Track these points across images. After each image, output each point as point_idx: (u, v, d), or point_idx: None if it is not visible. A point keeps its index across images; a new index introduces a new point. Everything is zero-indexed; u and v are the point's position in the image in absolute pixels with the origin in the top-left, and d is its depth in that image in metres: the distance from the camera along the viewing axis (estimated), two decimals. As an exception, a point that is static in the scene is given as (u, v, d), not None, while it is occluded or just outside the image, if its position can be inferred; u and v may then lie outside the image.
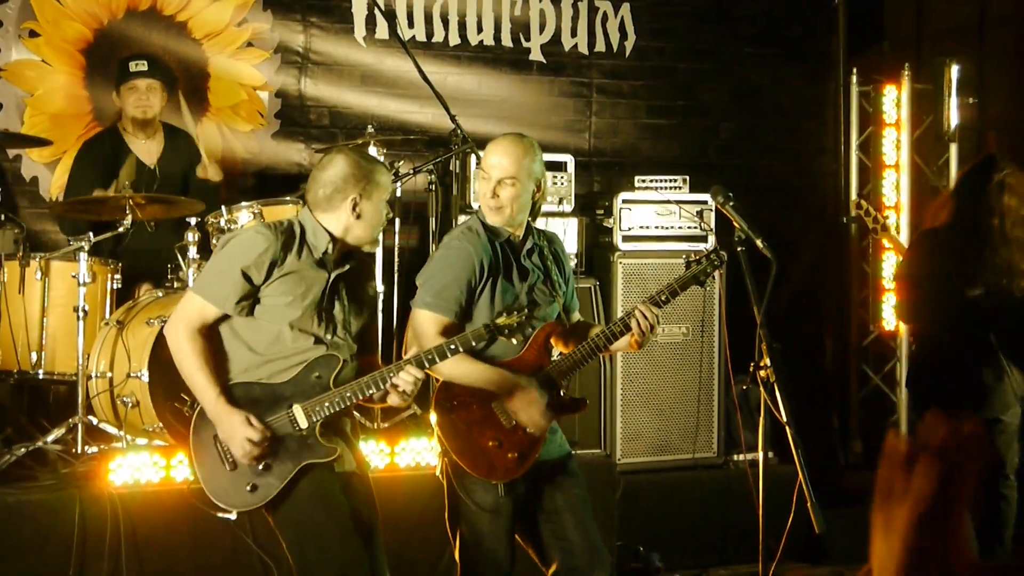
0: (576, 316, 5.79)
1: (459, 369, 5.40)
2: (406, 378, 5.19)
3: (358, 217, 5.33)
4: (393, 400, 5.29)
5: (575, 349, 5.54)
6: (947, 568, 2.30)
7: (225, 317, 5.24)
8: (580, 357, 5.52)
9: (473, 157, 8.48)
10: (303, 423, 5.22)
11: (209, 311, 5.22)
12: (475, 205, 8.65)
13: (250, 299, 5.22)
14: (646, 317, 5.46)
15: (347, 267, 5.39)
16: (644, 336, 5.50)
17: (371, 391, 5.24)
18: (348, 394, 5.23)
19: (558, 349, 5.64)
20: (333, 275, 5.34)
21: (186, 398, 5.35)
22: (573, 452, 5.80)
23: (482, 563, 5.48)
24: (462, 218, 8.57)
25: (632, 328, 5.48)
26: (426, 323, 5.42)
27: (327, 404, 5.22)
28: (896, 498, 2.34)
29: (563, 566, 5.54)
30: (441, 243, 5.70)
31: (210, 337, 5.24)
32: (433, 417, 5.45)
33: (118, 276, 7.57)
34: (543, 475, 5.56)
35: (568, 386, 5.59)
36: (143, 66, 8.19)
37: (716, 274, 8.43)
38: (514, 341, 5.37)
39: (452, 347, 5.24)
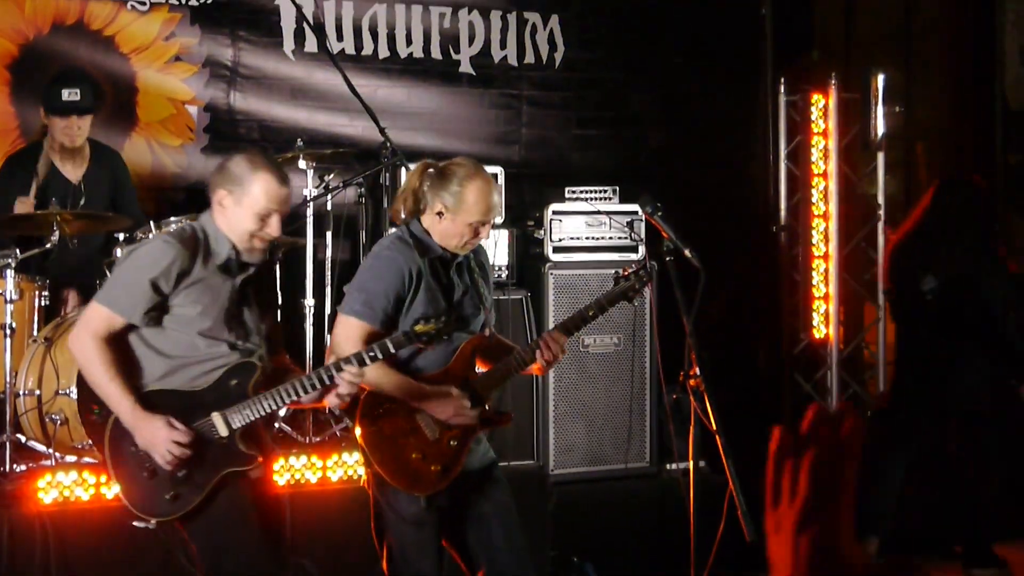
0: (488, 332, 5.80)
1: (385, 379, 5.39)
2: (347, 377, 5.17)
3: (223, 210, 5.31)
4: (331, 401, 5.28)
5: (498, 365, 5.57)
6: (843, 562, 2.33)
7: (132, 327, 5.20)
8: (503, 374, 5.58)
9: (403, 169, 8.48)
10: (222, 431, 5.19)
11: (116, 321, 5.18)
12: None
13: (158, 309, 5.19)
14: (550, 348, 5.51)
15: (250, 271, 5.37)
16: (549, 364, 5.56)
17: (301, 394, 5.21)
18: (277, 398, 5.20)
19: (478, 367, 5.65)
20: (239, 280, 5.31)
21: (95, 406, 5.29)
22: (498, 461, 5.80)
23: (410, 571, 5.48)
24: (392, 230, 8.56)
25: (536, 358, 5.52)
26: (351, 330, 5.43)
27: (247, 411, 5.20)
28: (785, 495, 2.37)
29: (489, 572, 5.57)
30: (371, 252, 5.70)
31: (118, 347, 5.19)
32: (357, 429, 5.45)
33: (46, 293, 7.52)
34: (469, 484, 5.59)
35: (492, 400, 5.62)
36: (75, 95, 8.04)
37: (649, 284, 8.50)
38: (430, 350, 5.38)
39: (371, 353, 5.23)
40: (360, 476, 7.20)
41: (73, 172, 8.16)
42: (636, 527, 8.33)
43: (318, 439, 7.75)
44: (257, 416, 5.24)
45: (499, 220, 8.70)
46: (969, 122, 11.86)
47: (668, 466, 8.69)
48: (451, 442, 5.47)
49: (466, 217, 5.50)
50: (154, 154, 9.02)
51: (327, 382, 5.22)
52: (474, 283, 5.67)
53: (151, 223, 7.58)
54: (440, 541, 5.55)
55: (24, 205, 7.77)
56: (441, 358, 5.50)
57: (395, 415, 5.44)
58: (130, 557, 6.71)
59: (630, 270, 5.69)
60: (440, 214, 5.52)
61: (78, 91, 8.08)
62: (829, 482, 2.25)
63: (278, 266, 7.97)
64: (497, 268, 8.73)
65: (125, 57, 8.96)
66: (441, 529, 5.54)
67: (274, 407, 5.26)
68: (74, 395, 6.91)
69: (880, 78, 10.46)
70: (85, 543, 6.63)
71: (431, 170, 5.62)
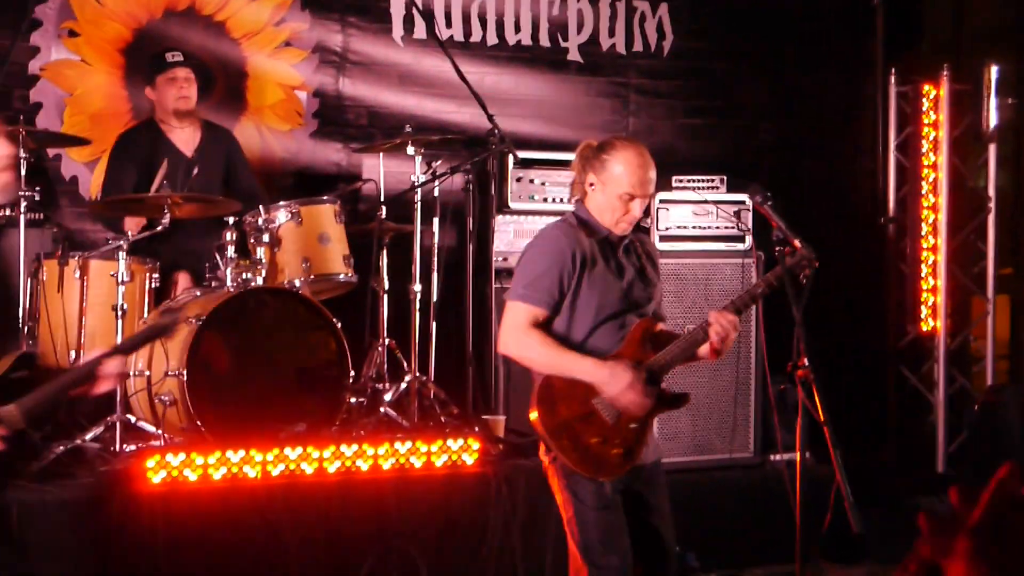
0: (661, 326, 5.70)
1: (554, 360, 5.36)
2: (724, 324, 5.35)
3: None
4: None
5: (671, 346, 5.46)
6: None
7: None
8: (680, 351, 5.45)
9: (510, 157, 8.50)
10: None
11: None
12: (513, 205, 8.66)
13: None
14: (721, 324, 5.39)
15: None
16: (722, 343, 5.42)
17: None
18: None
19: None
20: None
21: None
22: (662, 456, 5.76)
23: (607, 557, 5.40)
24: (499, 218, 8.59)
25: (710, 335, 5.43)
26: (518, 314, 5.39)
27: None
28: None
29: (657, 560, 5.55)
30: (536, 235, 5.66)
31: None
32: (533, 414, 5.39)
33: (156, 275, 7.60)
34: (642, 476, 5.53)
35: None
36: (179, 56, 8.23)
37: (755, 273, 8.47)
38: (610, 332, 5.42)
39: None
40: (466, 463, 7.32)
41: (186, 145, 8.25)
42: (739, 517, 8.29)
43: (423, 424, 7.77)
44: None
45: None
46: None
47: (772, 456, 8.65)
48: (630, 425, 5.38)
49: (615, 188, 5.42)
50: (263, 139, 9.09)
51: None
52: (643, 268, 5.60)
53: (260, 207, 7.65)
54: (625, 523, 5.44)
55: (131, 174, 7.89)
56: (613, 342, 5.44)
57: (571, 399, 5.35)
58: (236, 538, 6.77)
59: (790, 248, 5.62)
60: (592, 186, 5.48)
61: (180, 53, 8.23)
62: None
63: (385, 252, 8.06)
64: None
65: (235, 42, 9.04)
66: (625, 512, 5.45)
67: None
68: (183, 376, 6.98)
69: (993, 70, 10.35)
70: (193, 524, 6.68)
71: (587, 148, 5.59)
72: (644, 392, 5.34)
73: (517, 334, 5.38)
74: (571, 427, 5.36)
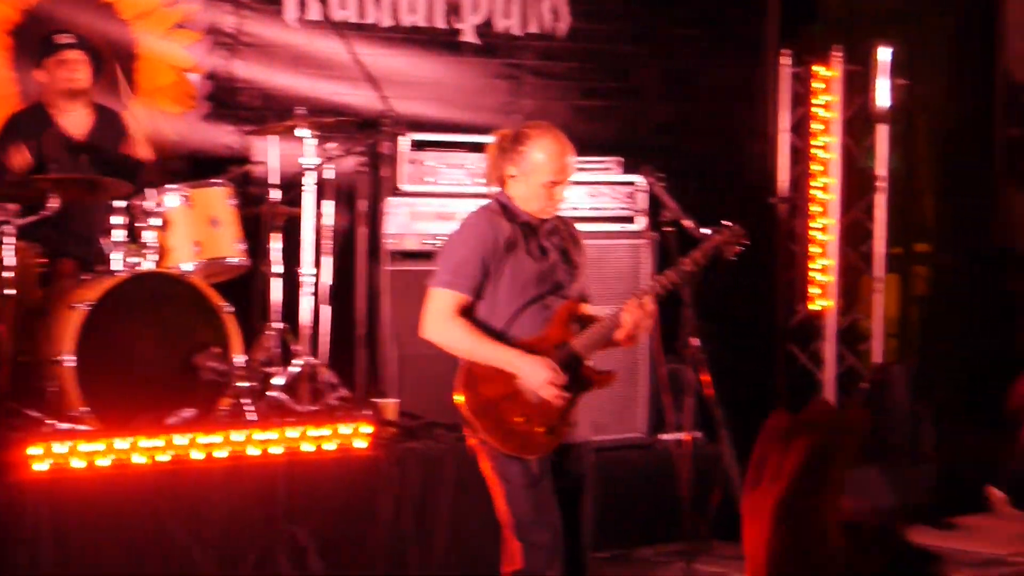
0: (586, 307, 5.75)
1: (477, 347, 5.43)
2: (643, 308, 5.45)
3: None
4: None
5: (595, 326, 5.55)
6: (821, 548, 2.34)
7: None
8: (600, 333, 5.53)
9: (404, 139, 8.48)
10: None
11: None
12: (406, 187, 8.66)
13: None
14: (633, 311, 5.48)
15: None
16: (636, 328, 5.51)
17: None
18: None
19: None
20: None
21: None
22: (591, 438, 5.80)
23: (539, 532, 5.47)
24: (392, 200, 8.57)
25: (622, 320, 5.50)
26: (442, 301, 5.48)
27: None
28: (767, 478, 2.39)
29: (570, 546, 5.57)
30: (460, 222, 5.72)
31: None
32: (459, 397, 5.46)
33: (43, 260, 7.52)
34: (569, 455, 5.59)
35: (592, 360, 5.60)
36: (70, 37, 8.14)
37: (649, 254, 8.52)
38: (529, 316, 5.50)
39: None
40: (359, 447, 7.32)
41: (76, 128, 8.15)
42: (630, 497, 8.34)
43: (314, 408, 7.76)
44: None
45: (496, 188, 8.73)
46: (970, 95, 11.85)
47: (663, 436, 8.71)
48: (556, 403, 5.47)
49: (537, 177, 5.51)
50: (154, 122, 9.00)
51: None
52: (567, 251, 5.65)
53: (150, 190, 7.59)
54: (554, 497, 5.51)
55: (20, 155, 7.78)
56: (538, 323, 5.50)
57: (495, 380, 5.43)
58: (124, 526, 6.73)
59: (719, 227, 5.70)
60: (513, 176, 5.56)
61: (71, 35, 8.14)
62: (817, 473, 2.26)
63: (277, 235, 8.04)
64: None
65: (126, 24, 8.95)
66: (553, 486, 5.51)
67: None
68: (70, 363, 6.92)
69: (884, 51, 10.46)
70: (78, 512, 6.62)
71: (503, 138, 5.64)
72: (563, 384, 5.42)
73: (441, 321, 5.47)
74: (495, 407, 5.44)
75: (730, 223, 5.69)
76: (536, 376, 5.40)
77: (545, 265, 5.55)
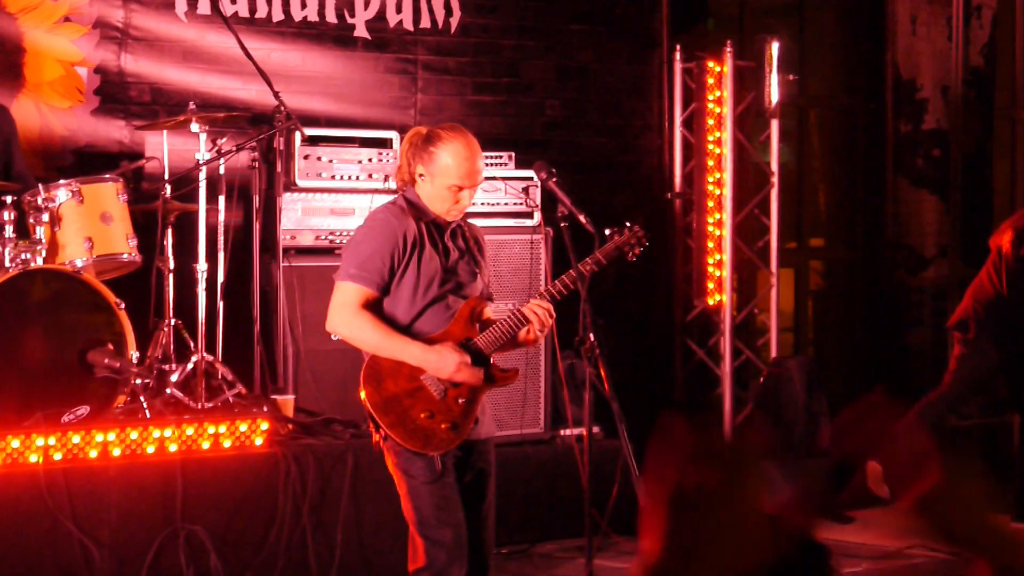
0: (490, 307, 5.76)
1: (382, 342, 5.43)
2: (539, 312, 5.50)
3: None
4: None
5: (498, 324, 5.56)
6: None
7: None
8: (507, 328, 5.53)
9: (297, 134, 8.42)
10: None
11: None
12: (300, 183, 8.60)
13: None
14: (536, 314, 5.50)
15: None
16: (540, 330, 5.55)
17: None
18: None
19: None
20: None
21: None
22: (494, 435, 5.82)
23: (442, 529, 5.47)
24: (286, 195, 8.52)
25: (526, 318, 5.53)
26: (348, 294, 5.49)
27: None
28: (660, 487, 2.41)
29: (472, 547, 5.57)
30: (366, 217, 5.74)
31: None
32: (362, 393, 5.46)
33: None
34: (475, 452, 5.61)
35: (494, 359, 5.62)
36: None
37: (544, 249, 8.53)
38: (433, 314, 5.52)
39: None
40: (255, 444, 7.26)
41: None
42: (530, 493, 8.35)
43: (211, 405, 7.68)
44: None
45: (390, 184, 8.70)
46: (861, 91, 11.98)
47: (562, 431, 8.71)
48: (458, 399, 5.48)
49: (443, 180, 5.53)
50: (42, 116, 8.87)
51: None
52: (470, 250, 5.69)
53: (40, 186, 7.48)
54: (458, 493, 5.53)
55: None
56: (440, 321, 5.52)
57: (398, 376, 5.45)
58: (18, 526, 6.65)
59: (620, 227, 5.71)
60: (421, 176, 5.57)
61: None
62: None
63: (170, 231, 7.95)
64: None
65: (12, 17, 8.80)
66: (456, 483, 5.53)
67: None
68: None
69: (774, 46, 10.53)
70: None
71: (416, 136, 5.65)
72: (473, 368, 5.45)
73: (347, 314, 5.50)
74: (399, 403, 5.45)
75: (631, 224, 5.71)
76: (446, 364, 5.43)
77: (448, 264, 5.59)
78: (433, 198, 5.56)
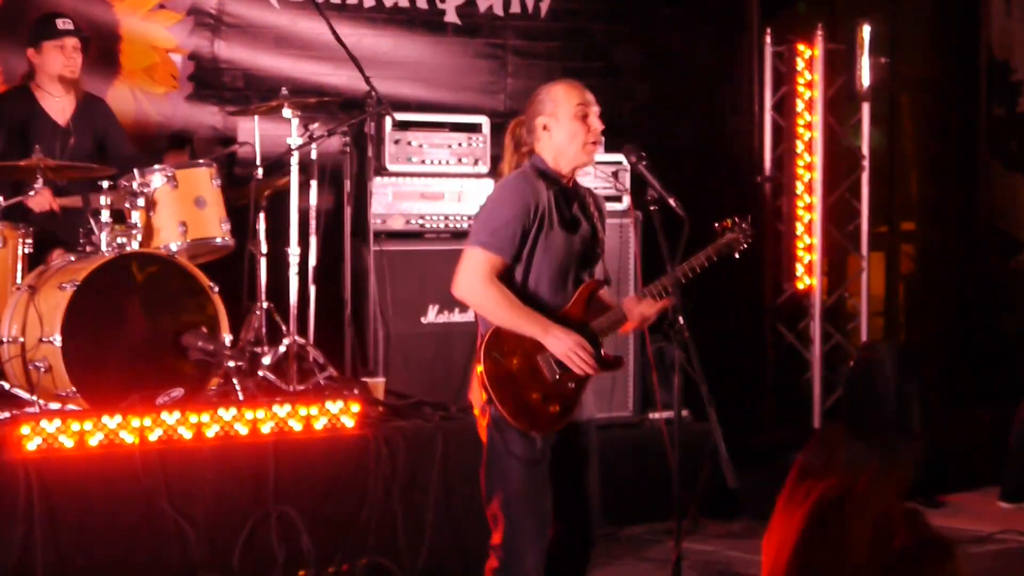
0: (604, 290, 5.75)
1: (511, 316, 5.39)
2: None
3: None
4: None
5: (611, 312, 5.55)
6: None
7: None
8: (616, 320, 5.54)
9: (388, 119, 8.48)
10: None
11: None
12: (391, 167, 8.66)
13: None
14: (641, 312, 5.52)
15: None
16: (642, 323, 5.57)
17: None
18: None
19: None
20: None
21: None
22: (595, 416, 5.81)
23: (527, 515, 5.45)
24: (377, 180, 8.58)
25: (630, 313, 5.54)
26: (479, 261, 5.39)
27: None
28: (792, 506, 2.41)
29: (567, 531, 5.59)
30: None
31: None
32: (479, 367, 5.43)
33: (29, 240, 7.50)
34: (576, 432, 5.59)
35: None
36: (70, 23, 8.10)
37: (633, 233, 8.52)
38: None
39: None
40: (346, 426, 7.32)
41: (61, 114, 8.13)
42: (618, 476, 8.33)
43: (302, 387, 7.75)
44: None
45: (480, 168, 8.73)
46: (954, 73, 11.88)
47: (651, 415, 8.72)
48: (570, 384, 5.44)
49: (568, 109, 5.49)
50: (137, 102, 8.98)
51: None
52: (593, 226, 5.62)
53: (135, 171, 7.57)
54: (551, 482, 5.51)
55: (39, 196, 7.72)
56: (561, 299, 5.48)
57: (516, 355, 5.40)
58: (112, 504, 6.71)
59: (730, 222, 5.71)
60: (546, 128, 5.51)
61: (70, 20, 8.10)
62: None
63: (263, 215, 8.03)
64: (482, 218, 8.72)
65: (108, 4, 8.91)
66: (553, 470, 5.51)
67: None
68: (58, 343, 6.91)
69: (866, 29, 10.49)
70: (69, 490, 6.62)
71: (516, 122, 5.66)
72: (590, 358, 5.40)
73: (476, 282, 5.39)
74: (514, 381, 5.41)
75: (739, 219, 5.70)
76: (563, 344, 5.35)
77: (576, 238, 5.52)
78: (564, 142, 5.48)
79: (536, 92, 5.61)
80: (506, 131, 5.71)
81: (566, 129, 5.49)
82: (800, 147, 10.58)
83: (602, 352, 5.54)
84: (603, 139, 5.60)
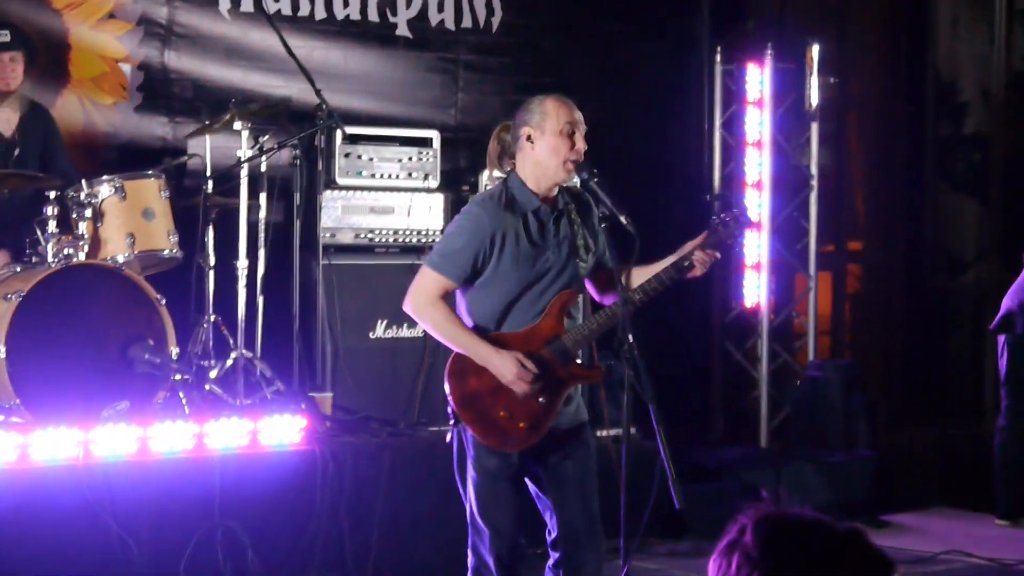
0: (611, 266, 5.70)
1: (453, 337, 5.47)
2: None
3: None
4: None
5: (586, 321, 5.58)
6: None
7: None
8: (596, 326, 5.56)
9: (338, 132, 8.46)
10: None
11: None
12: (341, 180, 8.65)
13: None
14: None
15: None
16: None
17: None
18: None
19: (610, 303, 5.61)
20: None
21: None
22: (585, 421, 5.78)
23: (486, 525, 5.54)
24: (327, 193, 8.57)
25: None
26: (428, 281, 5.49)
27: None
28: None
29: (562, 535, 5.63)
30: (464, 207, 5.73)
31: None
32: (446, 386, 5.48)
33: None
34: (555, 443, 5.59)
35: (582, 354, 5.65)
36: (5, 36, 8.01)
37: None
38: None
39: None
40: (292, 441, 7.29)
41: (6, 124, 8.06)
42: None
43: (249, 401, 7.72)
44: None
45: (430, 183, 8.72)
46: (901, 94, 11.95)
47: (599, 432, 8.71)
48: (538, 399, 5.47)
49: (554, 124, 5.49)
50: (86, 112, 8.92)
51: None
52: (573, 235, 5.60)
53: (83, 181, 7.52)
54: (517, 495, 5.58)
55: None
56: (531, 316, 5.51)
57: (481, 373, 5.44)
58: (53, 518, 6.65)
59: (725, 217, 5.74)
60: (530, 139, 5.51)
61: (7, 32, 8.01)
62: None
63: (211, 228, 8.00)
64: (432, 233, 8.72)
65: (57, 13, 8.85)
66: (520, 484, 5.58)
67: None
68: (1, 354, 6.85)
69: (815, 49, 10.53)
70: (11, 504, 6.55)
71: (502, 127, 5.68)
72: (532, 382, 5.41)
73: (422, 301, 5.51)
74: (480, 399, 5.46)
75: (727, 217, 5.74)
76: (505, 371, 5.40)
77: (544, 258, 5.53)
78: (546, 157, 5.49)
79: (527, 102, 5.63)
80: (493, 136, 5.70)
81: (549, 144, 5.50)
82: (749, 165, 10.61)
83: (573, 364, 5.55)
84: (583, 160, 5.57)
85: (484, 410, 5.45)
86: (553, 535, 5.65)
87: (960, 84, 11.80)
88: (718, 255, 5.67)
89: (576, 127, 5.55)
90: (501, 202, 5.51)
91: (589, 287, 5.76)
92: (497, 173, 5.72)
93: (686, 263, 5.60)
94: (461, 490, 5.64)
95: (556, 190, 5.60)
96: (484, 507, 5.54)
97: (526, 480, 5.63)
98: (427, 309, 5.50)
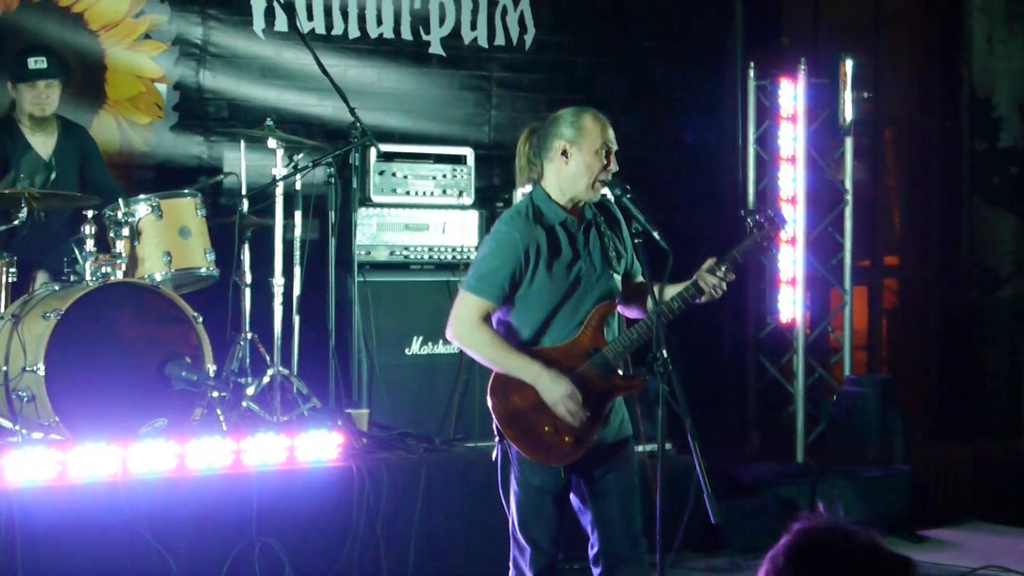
0: (639, 279, 5.72)
1: (499, 359, 5.45)
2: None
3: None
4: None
5: (627, 332, 5.54)
6: None
7: None
8: (637, 336, 5.51)
9: (373, 150, 8.48)
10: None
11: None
12: (375, 198, 8.68)
13: None
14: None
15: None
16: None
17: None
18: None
19: (634, 316, 5.63)
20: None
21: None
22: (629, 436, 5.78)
23: (528, 542, 5.53)
24: (362, 211, 8.59)
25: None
26: (469, 306, 5.46)
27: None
28: None
29: (603, 550, 5.62)
30: (492, 227, 5.68)
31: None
32: (489, 401, 5.47)
33: (13, 270, 7.48)
34: (599, 457, 5.59)
35: (625, 365, 5.61)
36: (42, 63, 8.03)
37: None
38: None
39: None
40: (330, 458, 7.31)
41: (43, 147, 8.12)
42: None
43: (286, 418, 7.74)
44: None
45: (464, 200, 8.75)
46: (936, 109, 11.93)
47: (635, 448, 8.70)
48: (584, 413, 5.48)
49: (591, 143, 5.47)
50: (122, 132, 8.99)
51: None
52: (604, 246, 5.59)
53: (120, 200, 7.56)
54: (559, 512, 5.57)
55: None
56: (570, 329, 5.50)
57: (524, 388, 5.42)
58: (95, 535, 6.69)
59: (760, 220, 5.75)
60: (564, 154, 5.49)
61: (44, 59, 8.05)
62: None
63: (247, 246, 8.03)
64: (467, 249, 8.73)
65: (94, 34, 8.92)
66: (564, 500, 5.57)
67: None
68: (41, 372, 6.89)
69: (849, 64, 10.52)
70: (51, 520, 6.59)
71: (532, 132, 5.63)
72: (580, 402, 5.39)
73: (465, 327, 5.47)
74: (524, 416, 5.45)
75: (760, 221, 5.75)
76: (552, 393, 5.38)
77: (578, 270, 5.51)
78: (578, 175, 5.48)
79: (561, 112, 5.59)
80: (520, 141, 5.67)
81: (584, 161, 5.48)
82: (783, 180, 10.60)
83: (615, 375, 5.54)
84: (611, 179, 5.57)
85: (529, 426, 5.44)
86: (595, 550, 5.64)
87: (995, 99, 11.78)
88: (733, 276, 5.62)
89: (611, 147, 5.55)
90: (529, 216, 5.50)
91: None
92: (528, 188, 5.72)
93: (690, 293, 5.56)
94: (505, 506, 5.62)
95: (583, 203, 5.61)
96: (526, 523, 5.53)
97: (570, 495, 5.64)
98: (471, 335, 5.47)
